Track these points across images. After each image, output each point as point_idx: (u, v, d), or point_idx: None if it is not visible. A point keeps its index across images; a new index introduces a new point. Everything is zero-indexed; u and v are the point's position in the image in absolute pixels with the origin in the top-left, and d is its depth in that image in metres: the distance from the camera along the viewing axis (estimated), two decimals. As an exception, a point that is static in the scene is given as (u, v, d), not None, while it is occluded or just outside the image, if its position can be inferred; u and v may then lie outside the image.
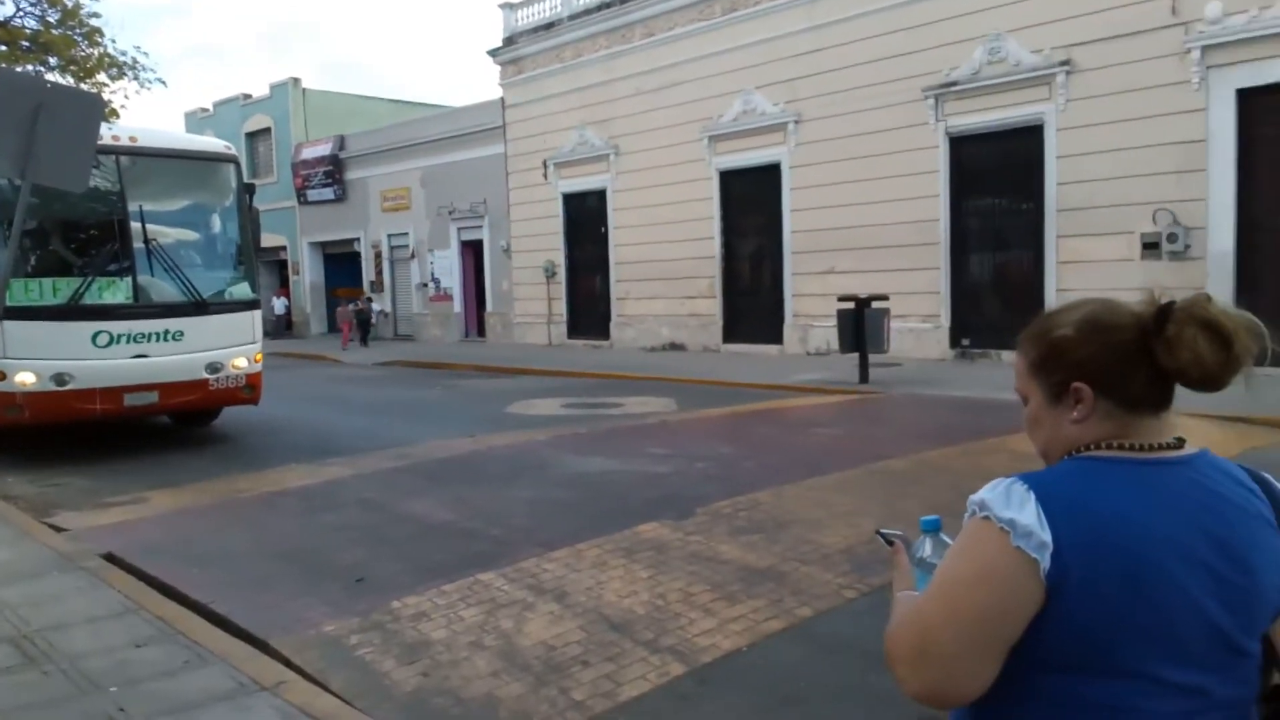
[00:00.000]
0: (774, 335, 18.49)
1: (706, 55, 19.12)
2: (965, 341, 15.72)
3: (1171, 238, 13.10)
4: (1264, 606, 1.27)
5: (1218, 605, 1.22)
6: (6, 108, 5.69)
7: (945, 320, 15.92)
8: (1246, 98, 12.62)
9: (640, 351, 20.30)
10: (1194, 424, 9.09)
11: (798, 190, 17.90)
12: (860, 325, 13.18)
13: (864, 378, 13.26)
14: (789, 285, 18.29)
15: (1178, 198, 13.16)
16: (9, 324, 8.05)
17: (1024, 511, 1.21)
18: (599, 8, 21.31)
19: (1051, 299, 14.55)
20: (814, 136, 17.50)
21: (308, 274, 31.43)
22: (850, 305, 13.29)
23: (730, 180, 19.22)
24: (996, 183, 15.42)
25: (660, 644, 4.19)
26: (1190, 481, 1.27)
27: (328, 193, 29.49)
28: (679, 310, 20.23)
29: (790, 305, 18.32)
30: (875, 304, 13.24)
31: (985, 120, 15.18)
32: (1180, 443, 1.31)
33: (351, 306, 26.29)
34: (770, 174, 18.35)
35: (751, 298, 19.19)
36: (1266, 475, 1.37)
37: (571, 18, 21.98)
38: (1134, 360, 1.28)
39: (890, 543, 1.63)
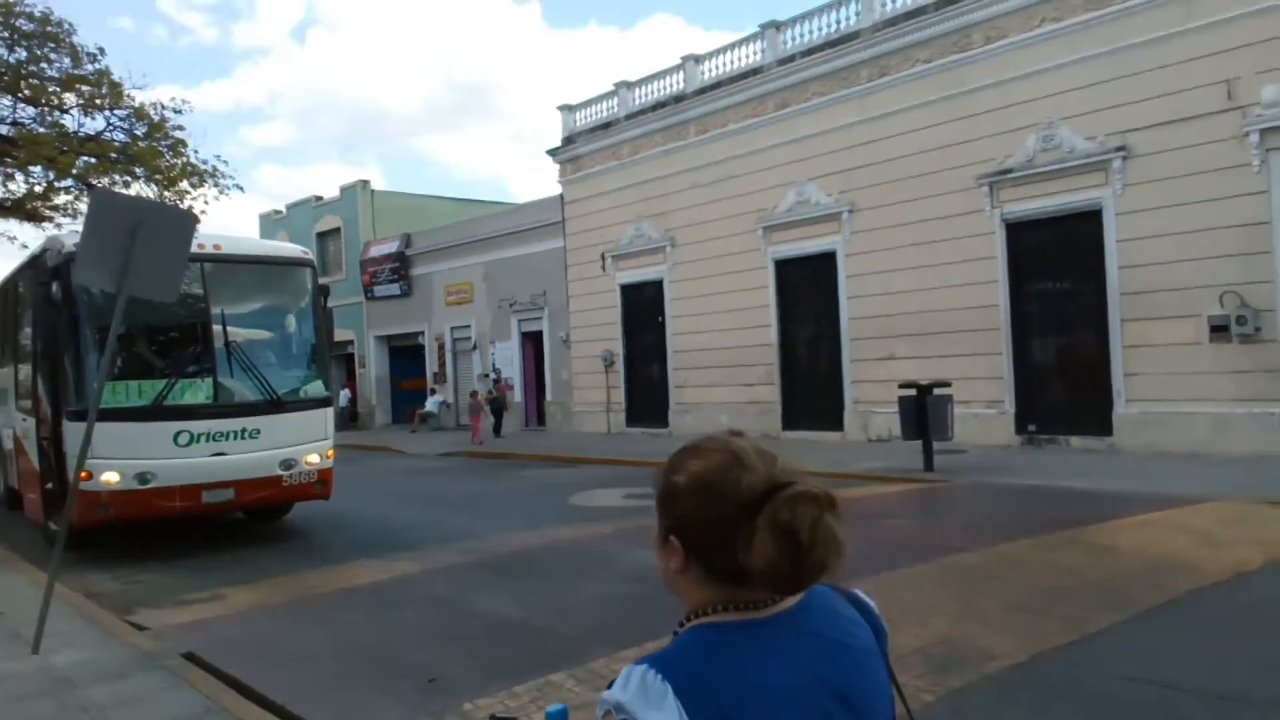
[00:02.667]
0: (834, 422, 18.37)
1: (760, 149, 19.55)
2: (1032, 427, 15.45)
3: (1240, 320, 12.85)
4: None
5: None
6: (107, 227, 6.10)
7: (1010, 406, 15.69)
8: (1311, 178, 12.50)
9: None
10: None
11: (854, 278, 18.00)
12: (923, 412, 13.06)
13: (929, 465, 13.08)
14: (848, 371, 18.24)
15: (1245, 280, 12.95)
16: (97, 425, 8.40)
17: (664, 709, 1.14)
18: (654, 107, 22.02)
19: (1119, 383, 14.31)
20: (869, 225, 17.67)
21: (373, 366, 32.21)
22: (912, 392, 13.20)
23: (786, 269, 19.42)
24: (1056, 267, 15.35)
25: (736, 750, 4.13)
26: (806, 633, 1.24)
27: (394, 288, 30.41)
28: (737, 397, 20.25)
29: (850, 391, 18.24)
30: (937, 390, 13.14)
31: (1041, 206, 15.20)
32: None
33: (483, 394, 24.38)
34: (826, 262, 18.51)
35: (810, 384, 19.15)
36: (861, 597, 1.36)
37: (628, 117, 22.72)
38: (725, 541, 1.20)
39: None
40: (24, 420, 10.68)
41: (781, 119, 19.20)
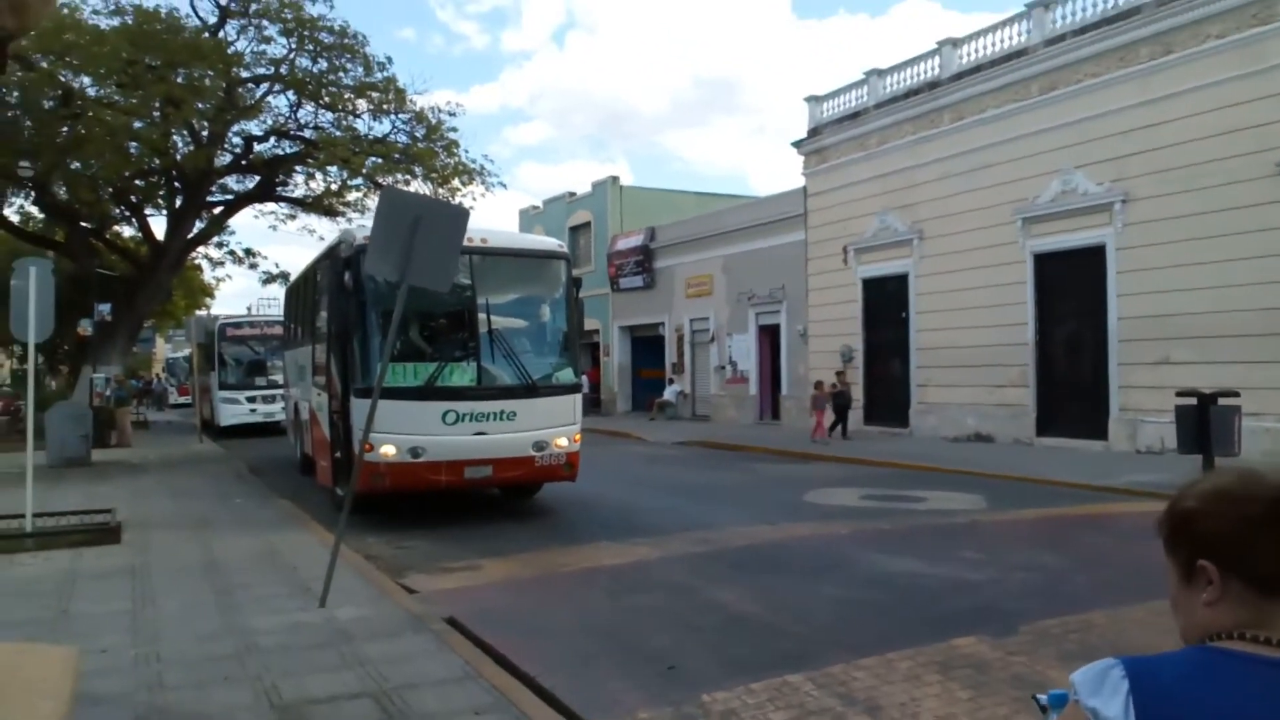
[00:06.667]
0: (1097, 430, 16.96)
1: (1021, 136, 18.36)
2: (1340, 447, 13.53)
3: None
4: None
5: None
6: (394, 221, 6.70)
7: (1313, 421, 13.82)
8: None
9: (942, 441, 19.41)
10: None
11: (1125, 274, 16.51)
12: (1205, 422, 11.78)
13: (1209, 484, 11.77)
14: (1115, 376, 16.77)
15: None
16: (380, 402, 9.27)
17: (1111, 702, 1.14)
18: (906, 95, 21.22)
19: None
20: (1145, 216, 16.12)
21: (616, 355, 33.38)
22: (1192, 400, 11.94)
23: (1046, 263, 18.13)
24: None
25: (984, 776, 3.94)
26: None
27: (637, 280, 31.34)
28: (986, 399, 19.17)
29: (1116, 397, 16.77)
30: (1223, 400, 11.81)
31: (1364, 194, 13.23)
32: None
33: (829, 387, 20.79)
34: (1093, 256, 17.09)
35: (1070, 388, 17.80)
36: None
37: (877, 106, 22.04)
38: (1263, 536, 1.17)
39: (1044, 711, 1.52)
40: (318, 395, 11.99)
41: (1047, 103, 17.91)
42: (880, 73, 22.23)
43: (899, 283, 21.46)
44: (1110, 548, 9.02)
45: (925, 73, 20.96)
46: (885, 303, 21.91)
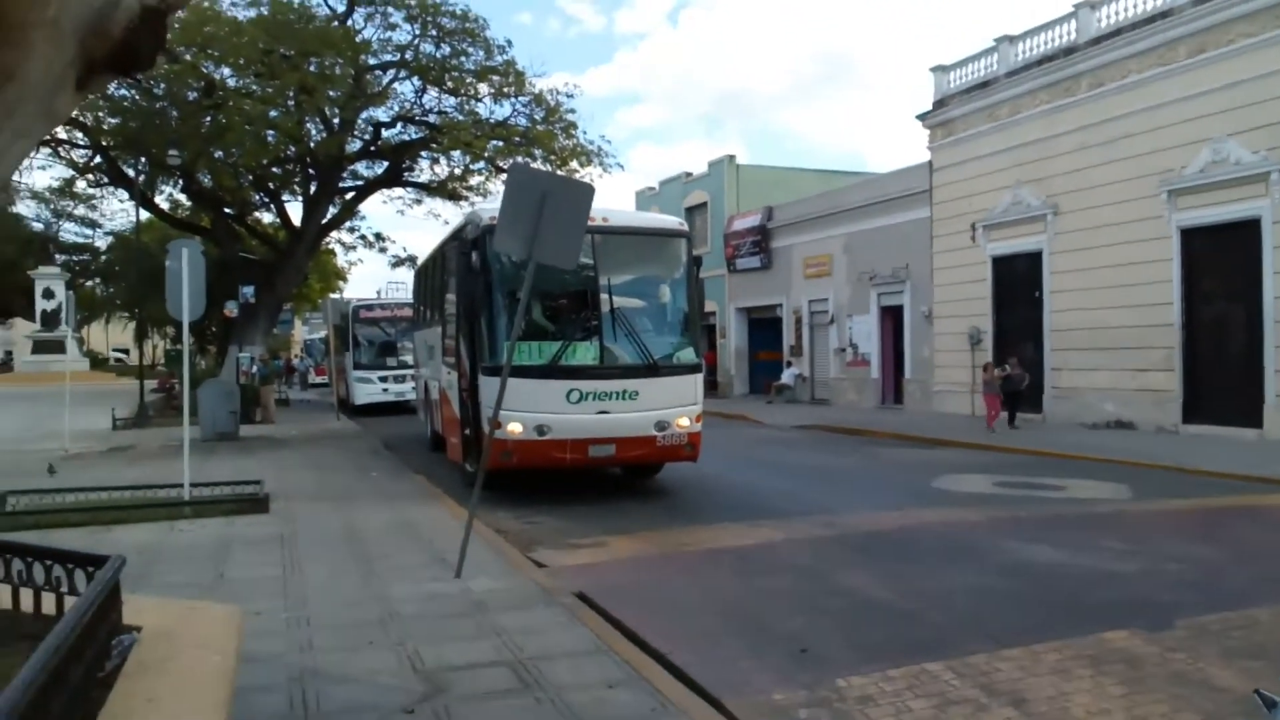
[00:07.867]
0: (1251, 417, 15.88)
1: (1166, 102, 17.25)
2: None
3: None
4: None
5: None
6: (522, 197, 6.78)
7: None
8: None
9: (1078, 428, 18.53)
10: None
11: (1285, 249, 15.36)
12: (1378, 412, 10.88)
13: (1383, 476, 10.89)
14: (1271, 359, 15.65)
15: None
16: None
17: None
18: (1039, 62, 20.22)
19: None
20: (1310, 187, 14.95)
21: (733, 337, 33.15)
22: (1364, 387, 11.04)
23: (1194, 239, 17.03)
24: None
25: (1144, 776, 3.73)
26: None
27: (754, 261, 30.99)
28: (1127, 384, 18.20)
29: (1273, 383, 15.65)
30: (1401, 386, 10.87)
31: None
32: None
33: (998, 372, 18.95)
34: (1247, 231, 15.95)
35: (1220, 372, 16.71)
36: None
37: (1008, 75, 21.09)
38: None
39: (1271, 706, 1.47)
40: (448, 374, 12.32)
41: (1195, 67, 16.76)
42: (1011, 39, 21.24)
43: (1031, 261, 20.55)
44: (1273, 541, 8.43)
45: (1060, 38, 19.92)
46: (1016, 282, 21.03)
